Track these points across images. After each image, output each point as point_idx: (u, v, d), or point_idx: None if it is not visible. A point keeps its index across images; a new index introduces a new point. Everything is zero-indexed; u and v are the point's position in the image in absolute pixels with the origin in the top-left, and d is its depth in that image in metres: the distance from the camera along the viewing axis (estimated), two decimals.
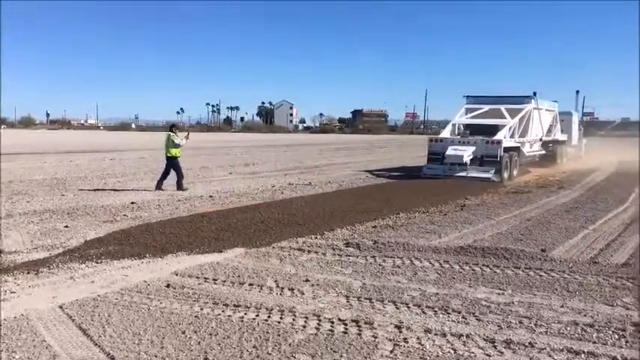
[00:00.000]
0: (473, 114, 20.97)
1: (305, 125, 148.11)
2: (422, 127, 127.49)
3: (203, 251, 7.52)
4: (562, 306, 5.38)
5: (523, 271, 6.68)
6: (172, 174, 14.34)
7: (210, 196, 13.13)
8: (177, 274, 6.38)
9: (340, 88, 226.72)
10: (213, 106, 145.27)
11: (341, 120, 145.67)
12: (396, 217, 10.40)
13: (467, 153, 17.82)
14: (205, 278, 6.22)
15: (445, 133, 20.47)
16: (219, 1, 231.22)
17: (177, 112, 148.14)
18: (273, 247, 7.82)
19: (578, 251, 7.70)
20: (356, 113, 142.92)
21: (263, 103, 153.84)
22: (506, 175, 18.04)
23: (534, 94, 21.27)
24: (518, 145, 19.67)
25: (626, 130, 62.38)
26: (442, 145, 18.83)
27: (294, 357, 4.19)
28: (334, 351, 4.30)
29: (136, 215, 10.35)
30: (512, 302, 5.49)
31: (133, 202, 11.87)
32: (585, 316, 5.12)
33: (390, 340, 4.52)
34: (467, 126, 21.09)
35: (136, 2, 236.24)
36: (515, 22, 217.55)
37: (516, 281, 6.25)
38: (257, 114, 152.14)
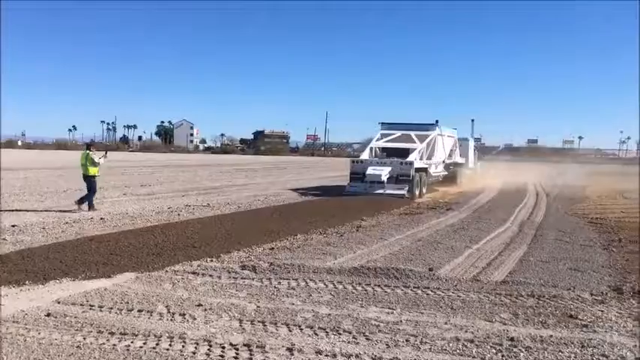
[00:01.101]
0: (387, 138, 23.59)
1: (206, 145, 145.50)
2: (322, 148, 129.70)
3: (90, 277, 7.17)
4: (446, 323, 5.66)
5: (412, 290, 6.96)
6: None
7: (102, 219, 12.55)
8: (59, 302, 6.02)
9: (242, 108, 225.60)
10: (108, 123, 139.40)
11: (243, 141, 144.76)
12: (294, 239, 10.49)
13: (384, 172, 20.09)
14: (91, 305, 5.92)
15: (364, 155, 22.62)
16: (114, 11, 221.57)
17: (70, 130, 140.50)
18: (166, 271, 7.61)
19: (462, 270, 8.14)
20: (258, 134, 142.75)
21: (162, 122, 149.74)
22: (417, 192, 20.56)
23: (437, 121, 24.20)
24: (427, 166, 22.41)
25: (509, 155, 66.92)
26: (362, 165, 20.99)
27: None
28: None
29: (16, 239, 9.67)
30: (401, 321, 5.70)
31: (13, 225, 11.10)
32: (467, 332, 5.41)
33: None
34: (383, 149, 23.47)
35: (22, 9, 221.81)
36: (414, 52, 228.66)
37: (405, 300, 6.50)
38: (156, 133, 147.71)
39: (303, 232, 11.19)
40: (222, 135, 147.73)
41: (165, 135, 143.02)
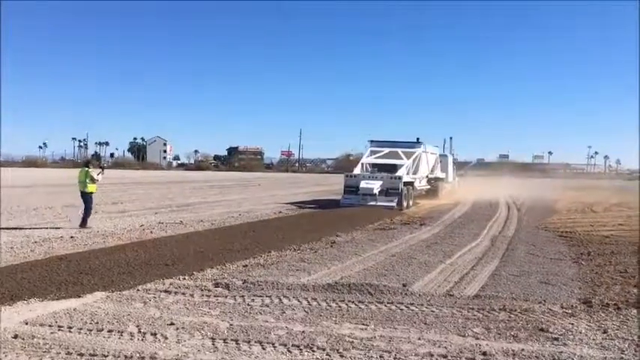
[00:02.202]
0: (377, 155, 25.85)
1: (179, 162, 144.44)
2: (297, 165, 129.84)
3: (59, 297, 7.01)
4: (419, 338, 5.68)
5: (386, 305, 6.98)
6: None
7: (72, 237, 12.32)
8: (27, 323, 5.87)
9: (216, 124, 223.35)
10: (80, 140, 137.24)
11: (216, 157, 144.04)
12: (267, 256, 10.44)
13: (376, 186, 22.09)
14: (59, 326, 5.79)
15: (357, 171, 24.50)
16: (83, 23, 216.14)
17: (40, 147, 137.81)
18: (138, 290, 7.49)
19: (435, 285, 8.19)
20: (232, 150, 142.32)
21: (135, 138, 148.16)
22: (405, 204, 22.43)
23: (417, 139, 26.69)
24: (413, 180, 24.33)
25: (481, 170, 67.99)
26: (356, 179, 22.98)
27: None
28: None
29: None
30: (375, 337, 5.70)
31: None
32: (440, 347, 5.44)
33: None
34: (373, 165, 25.39)
35: None
36: (387, 70, 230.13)
37: (379, 316, 6.50)
38: (128, 150, 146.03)
39: (276, 249, 11.14)
40: (195, 151, 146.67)
41: (138, 152, 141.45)
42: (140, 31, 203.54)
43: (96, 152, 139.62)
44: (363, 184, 22.36)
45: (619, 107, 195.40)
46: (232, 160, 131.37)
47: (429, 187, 27.81)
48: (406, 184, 22.85)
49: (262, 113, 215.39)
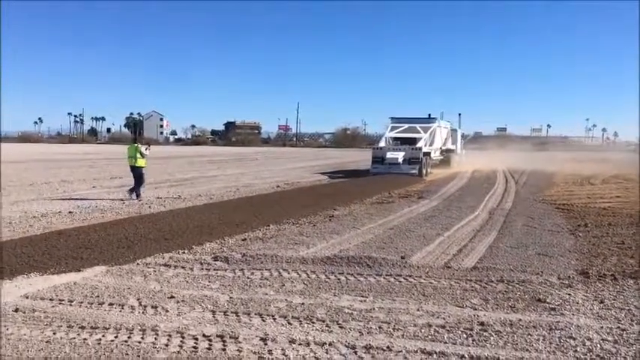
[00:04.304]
0: (397, 130, 29.52)
1: (176, 137, 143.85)
2: (294, 139, 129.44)
3: (59, 271, 7.03)
4: (418, 309, 5.73)
5: (384, 278, 7.02)
6: None
7: (70, 212, 12.34)
8: (27, 297, 5.91)
9: (213, 99, 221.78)
10: (75, 116, 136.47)
11: (214, 132, 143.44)
12: (266, 229, 10.47)
13: (400, 156, 25.82)
14: (60, 300, 5.83)
15: (382, 144, 28.45)
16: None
17: (35, 123, 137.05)
18: (138, 264, 7.52)
19: (434, 257, 8.23)
20: (229, 125, 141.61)
21: (131, 113, 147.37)
22: (424, 171, 25.93)
23: (429, 115, 30.46)
24: (430, 151, 27.88)
25: (478, 143, 67.92)
26: (382, 151, 26.87)
27: None
28: None
29: None
30: (374, 308, 5.75)
31: None
32: (438, 318, 5.48)
33: (255, 353, 4.53)
34: (395, 138, 29.30)
35: None
36: (384, 46, 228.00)
37: (378, 288, 6.55)
38: (125, 125, 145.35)
39: (275, 223, 11.17)
40: (192, 126, 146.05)
41: (135, 127, 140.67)
42: (136, 5, 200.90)
43: (92, 127, 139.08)
44: (388, 155, 26.02)
45: (617, 80, 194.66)
46: (230, 134, 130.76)
47: (442, 157, 30.88)
48: (425, 154, 26.28)
49: (260, 87, 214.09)
